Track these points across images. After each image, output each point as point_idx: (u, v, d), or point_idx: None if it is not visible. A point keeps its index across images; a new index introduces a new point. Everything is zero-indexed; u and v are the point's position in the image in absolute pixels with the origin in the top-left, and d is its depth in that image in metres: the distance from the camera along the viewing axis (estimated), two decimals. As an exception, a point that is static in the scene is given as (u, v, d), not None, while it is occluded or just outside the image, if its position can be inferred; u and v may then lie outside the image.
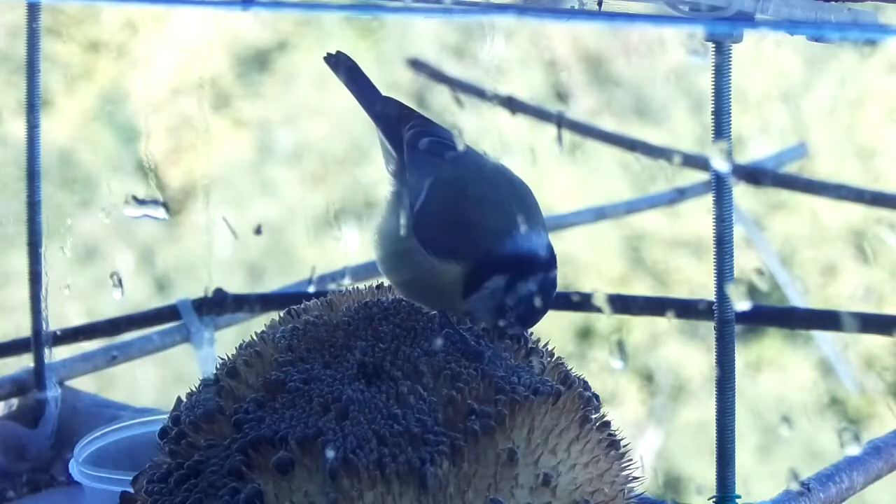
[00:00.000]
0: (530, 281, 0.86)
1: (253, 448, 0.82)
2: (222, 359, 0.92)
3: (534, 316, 0.87)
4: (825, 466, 0.99)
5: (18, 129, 1.27)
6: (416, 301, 0.91)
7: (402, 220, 0.88)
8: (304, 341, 0.89)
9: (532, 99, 1.94)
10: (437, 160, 0.90)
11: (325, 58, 0.95)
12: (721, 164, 0.92)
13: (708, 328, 0.98)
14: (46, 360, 1.29)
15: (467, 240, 0.87)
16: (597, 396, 0.89)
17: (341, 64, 0.95)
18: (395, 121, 0.92)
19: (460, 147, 0.90)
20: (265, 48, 2.62)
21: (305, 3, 1.06)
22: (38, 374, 1.29)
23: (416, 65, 2.03)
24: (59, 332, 1.31)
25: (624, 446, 0.89)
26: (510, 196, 0.89)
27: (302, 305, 0.94)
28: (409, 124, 0.92)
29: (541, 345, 0.92)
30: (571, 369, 0.91)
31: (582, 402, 0.87)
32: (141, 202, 1.02)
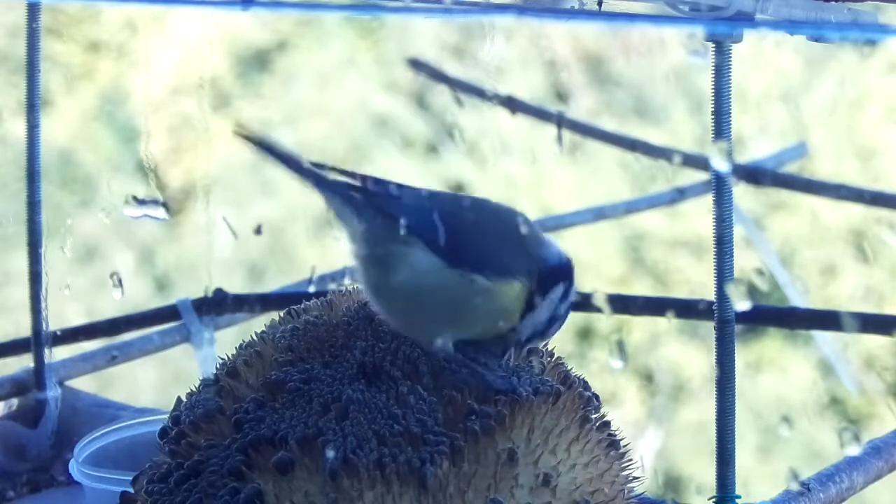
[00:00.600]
0: (574, 286, 0.86)
1: (253, 448, 0.82)
2: (222, 359, 0.92)
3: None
4: (825, 466, 0.99)
5: (18, 129, 1.27)
6: (456, 335, 0.85)
7: (425, 263, 0.84)
8: (304, 341, 0.89)
9: (532, 99, 1.93)
10: (417, 196, 0.87)
11: (234, 131, 0.88)
12: (721, 164, 0.92)
13: (708, 328, 0.98)
14: (46, 360, 1.29)
15: (515, 255, 0.85)
16: (597, 396, 0.89)
17: (253, 139, 0.88)
18: (336, 181, 0.88)
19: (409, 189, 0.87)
20: (265, 48, 2.62)
21: (305, 3, 1.06)
22: (38, 374, 1.29)
23: (416, 65, 2.03)
24: (59, 332, 1.31)
25: (624, 446, 0.89)
26: (500, 213, 0.88)
27: (302, 305, 0.94)
28: (355, 179, 0.88)
29: (541, 345, 0.92)
30: (571, 369, 0.90)
31: (582, 402, 0.87)
32: (141, 202, 1.02)
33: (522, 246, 0.86)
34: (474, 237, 0.86)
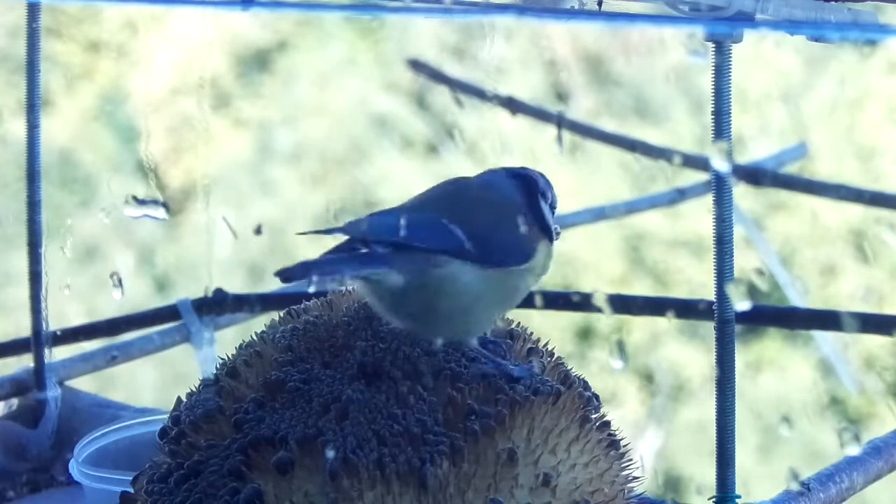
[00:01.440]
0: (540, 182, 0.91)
1: (253, 448, 0.82)
2: (222, 359, 0.92)
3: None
4: (825, 466, 0.99)
5: (18, 129, 1.27)
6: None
7: (465, 275, 0.85)
8: (304, 341, 0.89)
9: (532, 99, 1.94)
10: (420, 215, 0.86)
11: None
12: (721, 164, 0.92)
13: (708, 328, 0.98)
14: (46, 360, 1.29)
15: (520, 225, 0.88)
16: (597, 396, 0.89)
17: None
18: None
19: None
20: (265, 48, 2.62)
21: (305, 3, 1.06)
22: (38, 374, 1.29)
23: (416, 65, 2.03)
24: (59, 332, 1.31)
25: (624, 446, 0.89)
26: (486, 186, 0.90)
27: (302, 305, 0.94)
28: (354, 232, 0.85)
29: (541, 345, 0.92)
30: (571, 369, 0.90)
31: (582, 402, 0.87)
32: (141, 202, 1.02)
33: (518, 207, 0.88)
34: (489, 227, 0.87)
